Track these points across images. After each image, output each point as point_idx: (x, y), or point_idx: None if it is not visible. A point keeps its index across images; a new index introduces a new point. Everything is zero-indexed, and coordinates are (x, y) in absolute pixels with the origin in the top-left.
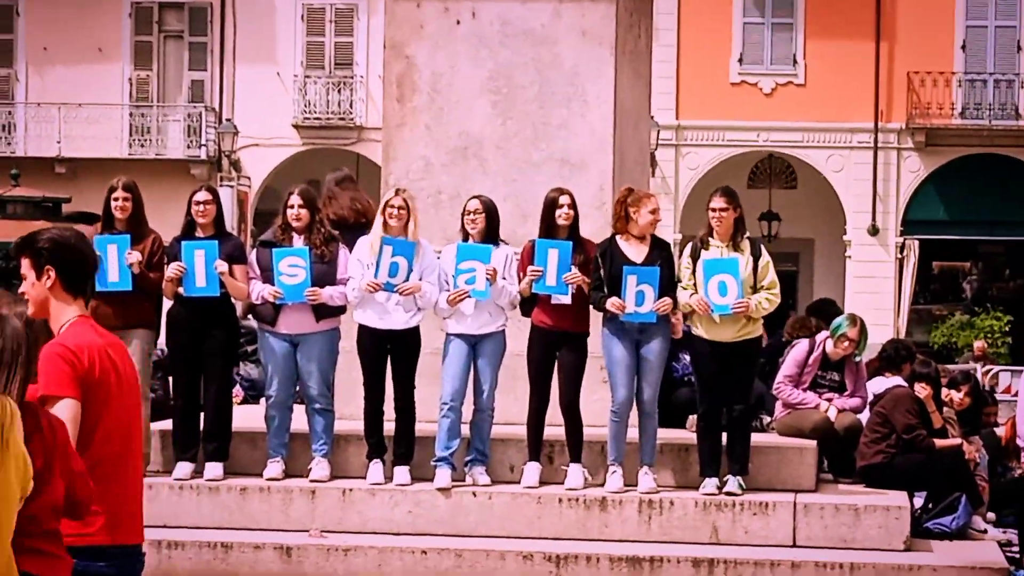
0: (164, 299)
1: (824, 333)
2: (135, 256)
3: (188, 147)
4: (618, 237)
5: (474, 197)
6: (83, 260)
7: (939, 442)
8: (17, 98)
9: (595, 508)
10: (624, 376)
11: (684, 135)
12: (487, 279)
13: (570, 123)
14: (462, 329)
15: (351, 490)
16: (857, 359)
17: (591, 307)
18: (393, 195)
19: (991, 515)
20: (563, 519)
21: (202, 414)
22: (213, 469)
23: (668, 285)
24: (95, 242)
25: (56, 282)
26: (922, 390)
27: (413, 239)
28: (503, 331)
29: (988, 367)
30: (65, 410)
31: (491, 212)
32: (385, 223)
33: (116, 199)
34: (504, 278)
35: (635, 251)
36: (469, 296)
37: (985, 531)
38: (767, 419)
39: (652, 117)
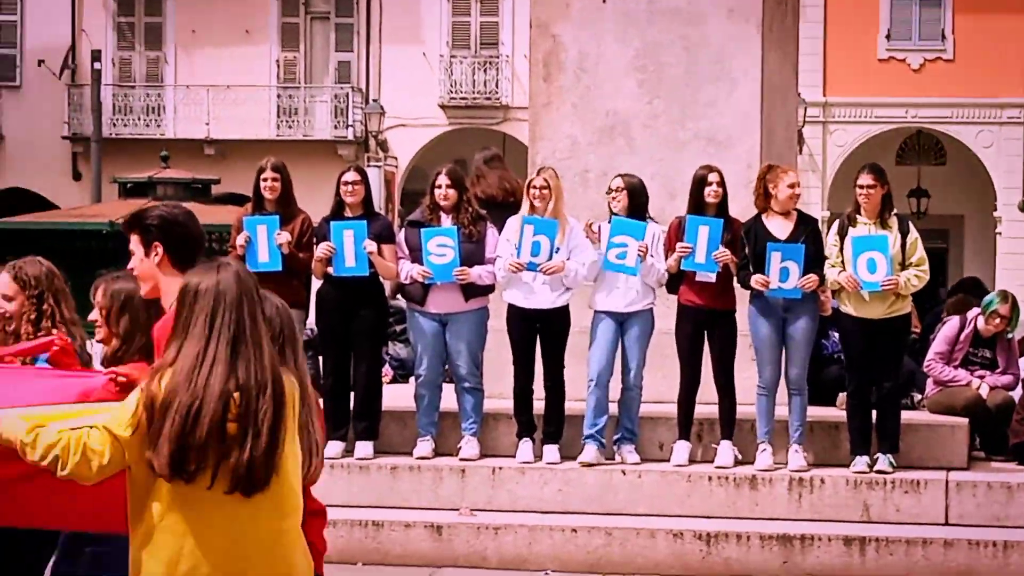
0: (313, 279)
1: (975, 310)
2: (284, 236)
3: (335, 128)
4: (763, 215)
5: (618, 176)
6: (191, 236)
7: None
8: (166, 81)
9: (745, 486)
10: (770, 354)
11: (831, 112)
12: (638, 256)
13: (717, 101)
14: (610, 307)
15: (500, 468)
16: (1009, 336)
17: (738, 285)
18: (535, 175)
19: None
20: (713, 497)
21: (352, 394)
22: (363, 448)
23: (814, 262)
24: (245, 223)
25: (164, 258)
26: None
27: (557, 218)
28: (651, 309)
29: None
30: None
31: (634, 191)
32: (531, 203)
33: (265, 180)
34: (652, 256)
35: (780, 228)
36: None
37: None
38: (918, 397)
39: (799, 94)
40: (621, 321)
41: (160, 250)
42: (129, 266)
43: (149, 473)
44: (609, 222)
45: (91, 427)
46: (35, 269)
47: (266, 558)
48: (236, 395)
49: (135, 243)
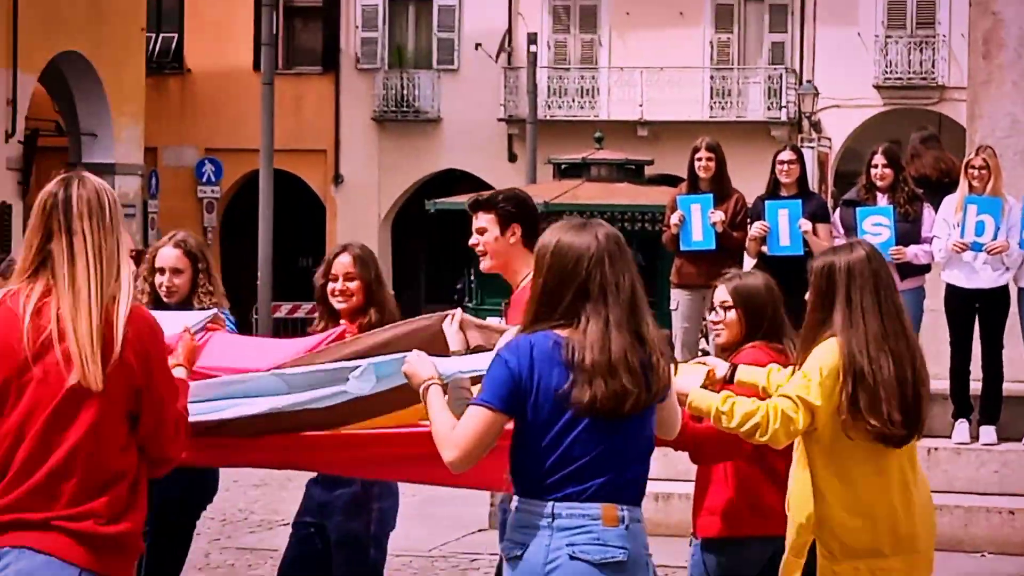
0: (746, 257)
1: None
2: (718, 215)
3: (768, 109)
4: None
5: None
6: (538, 218)
7: None
8: (600, 63)
9: None
10: None
11: None
12: None
13: None
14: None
15: (936, 449)
16: None
17: None
18: (974, 155)
19: None
20: None
21: None
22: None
23: None
24: (679, 202)
25: (520, 239)
26: None
27: (997, 196)
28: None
29: None
30: None
31: None
32: (969, 183)
33: (700, 159)
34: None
35: None
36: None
37: None
38: None
39: None
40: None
41: (518, 231)
42: (472, 242)
43: (837, 436)
44: None
45: (782, 396)
46: (197, 241)
47: (928, 508)
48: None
49: (489, 222)
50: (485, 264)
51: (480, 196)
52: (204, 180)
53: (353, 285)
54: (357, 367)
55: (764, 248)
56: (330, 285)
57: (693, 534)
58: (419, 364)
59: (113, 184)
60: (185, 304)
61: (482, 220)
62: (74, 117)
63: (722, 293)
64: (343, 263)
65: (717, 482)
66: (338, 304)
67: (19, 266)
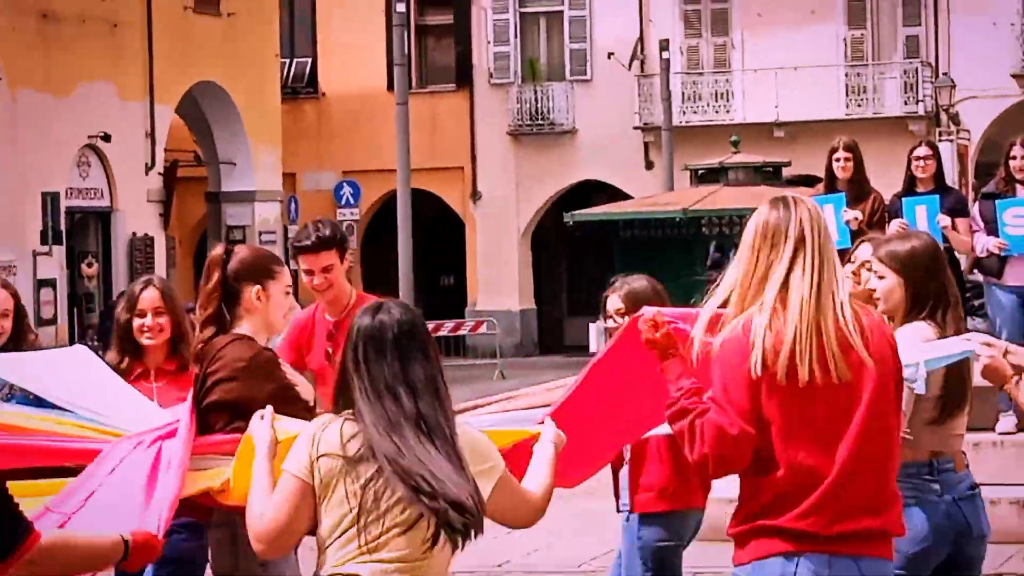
0: None
1: None
2: (852, 214)
3: (905, 104)
4: None
5: None
6: None
7: None
8: (734, 66)
9: None
10: None
11: None
12: None
13: None
14: None
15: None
16: None
17: None
18: None
19: None
20: None
21: None
22: None
23: None
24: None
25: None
26: None
27: None
28: None
29: None
30: None
31: None
32: None
33: (838, 159)
34: None
35: None
36: None
37: None
38: None
39: None
40: None
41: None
42: (318, 283)
43: None
44: None
45: None
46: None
47: None
48: None
49: (334, 258)
50: (329, 297)
51: (321, 235)
52: (343, 203)
53: (163, 320)
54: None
55: None
56: (136, 321)
57: (628, 510)
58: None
59: (253, 212)
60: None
61: (327, 258)
62: (212, 146)
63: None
64: (150, 298)
65: (651, 460)
66: (146, 340)
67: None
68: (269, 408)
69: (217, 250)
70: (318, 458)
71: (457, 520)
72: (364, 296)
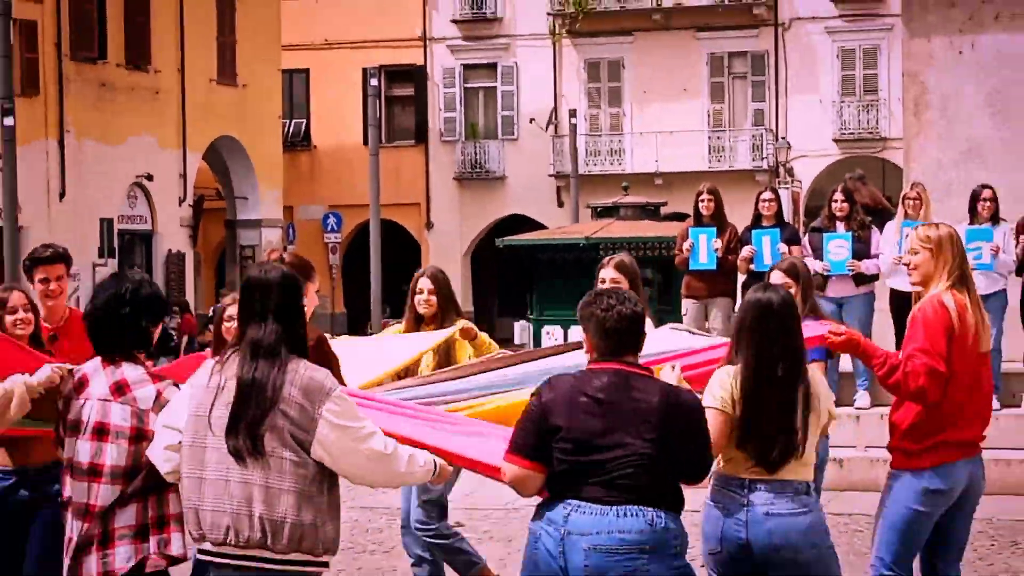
0: (739, 274)
1: None
2: (718, 243)
3: (753, 160)
4: None
5: (985, 186)
6: None
7: None
8: (625, 129)
9: None
10: None
11: None
12: (992, 254)
13: None
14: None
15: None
16: None
17: None
18: (909, 189)
19: None
20: None
21: None
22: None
23: None
24: (689, 232)
25: None
26: None
27: (927, 221)
28: (1004, 290)
29: None
30: None
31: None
32: (905, 211)
33: (702, 200)
34: (1003, 252)
35: None
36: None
37: None
38: None
39: None
40: (985, 299)
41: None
42: (53, 288)
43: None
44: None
45: None
46: None
47: None
48: None
49: (63, 270)
50: (57, 303)
51: (56, 250)
52: (328, 229)
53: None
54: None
55: (751, 266)
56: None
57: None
58: None
59: (260, 235)
60: None
61: (59, 270)
62: (230, 185)
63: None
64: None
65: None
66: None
67: None
68: None
69: (273, 255)
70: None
71: None
72: (77, 312)
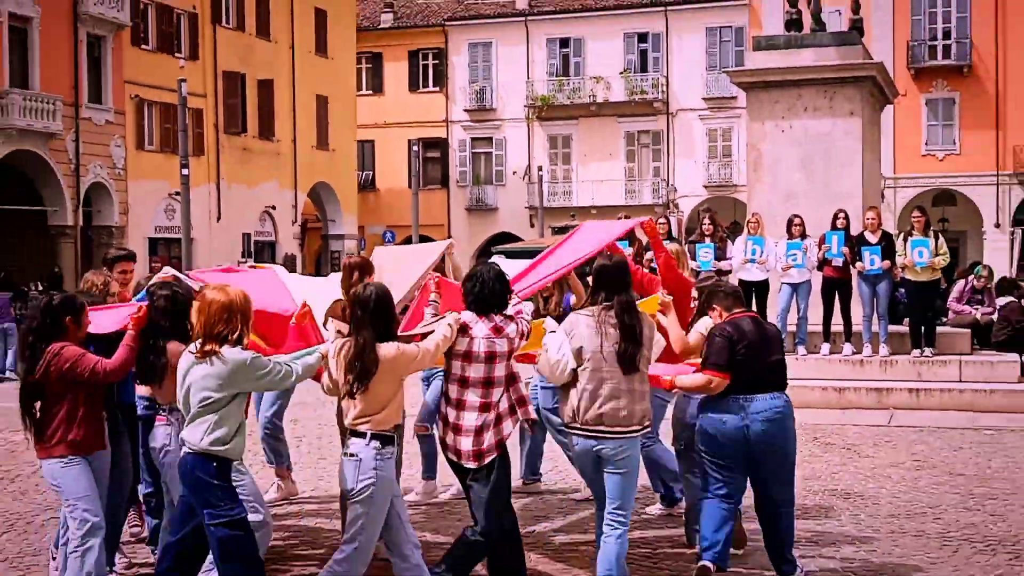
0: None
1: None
2: (629, 252)
3: (653, 198)
4: (864, 232)
5: (793, 216)
6: None
7: None
8: (573, 179)
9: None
10: (869, 303)
11: (897, 180)
12: (803, 255)
13: (841, 179)
14: (788, 280)
15: None
16: (989, 287)
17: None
18: (751, 216)
19: None
20: None
21: None
22: None
23: (887, 254)
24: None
25: None
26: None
27: (761, 237)
28: (810, 280)
29: None
30: None
31: (803, 225)
32: (748, 230)
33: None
34: (809, 256)
35: (872, 238)
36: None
37: None
38: (945, 319)
39: (881, 172)
40: (795, 287)
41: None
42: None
43: None
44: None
45: None
46: None
47: None
48: None
49: (130, 267)
50: (126, 287)
51: (129, 253)
52: (386, 240)
53: None
54: None
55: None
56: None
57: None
58: None
59: (343, 245)
60: None
61: (130, 266)
62: (324, 212)
63: None
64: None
65: None
66: None
67: None
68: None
69: (354, 259)
70: None
71: None
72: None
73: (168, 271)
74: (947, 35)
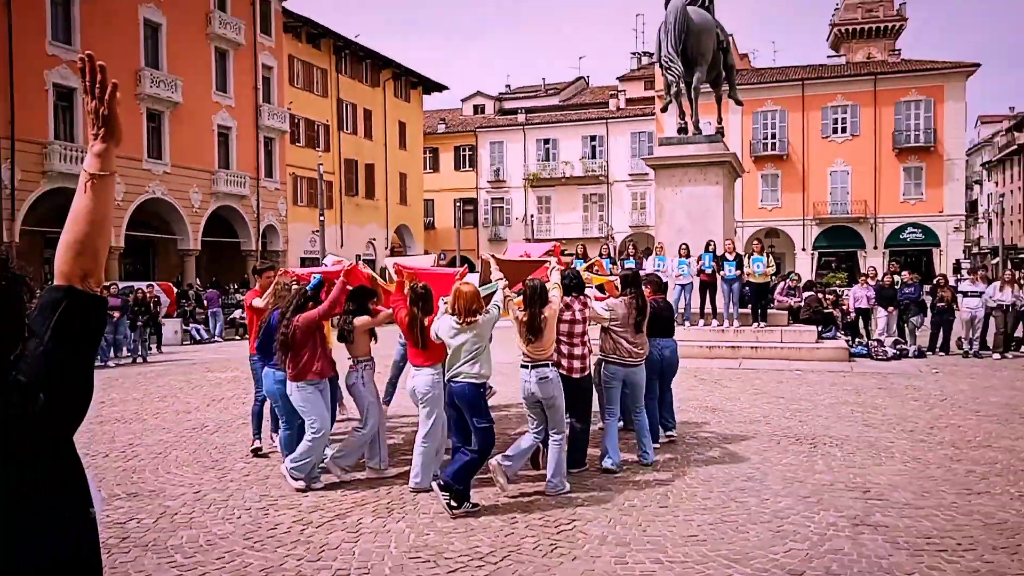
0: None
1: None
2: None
3: (599, 233)
4: (725, 253)
5: (682, 243)
6: None
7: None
8: (551, 222)
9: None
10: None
11: (743, 222)
12: (687, 270)
13: (709, 221)
14: (680, 283)
15: None
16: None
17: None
18: (657, 245)
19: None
20: None
21: None
22: None
23: (739, 267)
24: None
25: None
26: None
27: (666, 256)
28: (692, 283)
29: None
30: None
31: (688, 250)
32: (655, 253)
33: (580, 247)
34: (692, 273)
35: (730, 256)
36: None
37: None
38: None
39: (735, 218)
40: (683, 287)
41: None
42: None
43: None
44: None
45: None
46: None
47: None
48: None
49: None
50: (269, 289)
51: (272, 265)
52: (441, 258)
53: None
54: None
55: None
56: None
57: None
58: None
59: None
60: None
61: (273, 276)
62: (404, 241)
63: None
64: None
65: None
66: None
67: None
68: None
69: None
70: None
71: None
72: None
73: (289, 271)
74: (773, 136)
